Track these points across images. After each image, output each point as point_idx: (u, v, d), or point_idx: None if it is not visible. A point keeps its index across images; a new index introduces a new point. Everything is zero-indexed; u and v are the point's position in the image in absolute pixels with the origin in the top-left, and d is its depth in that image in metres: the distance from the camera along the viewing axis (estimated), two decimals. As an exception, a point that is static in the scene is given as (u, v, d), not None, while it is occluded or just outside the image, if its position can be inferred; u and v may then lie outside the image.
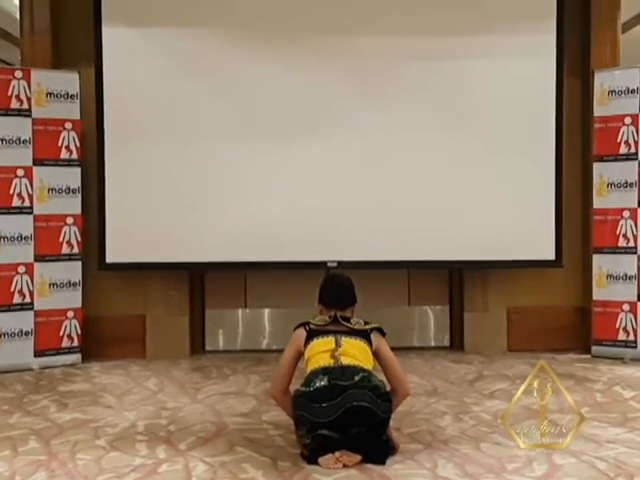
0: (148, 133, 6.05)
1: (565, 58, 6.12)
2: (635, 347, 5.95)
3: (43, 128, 5.91)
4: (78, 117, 6.03)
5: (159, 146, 6.06)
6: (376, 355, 3.80)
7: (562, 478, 3.33)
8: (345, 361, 3.62)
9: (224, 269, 6.35)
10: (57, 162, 5.96)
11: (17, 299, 5.83)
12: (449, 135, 6.09)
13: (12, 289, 5.81)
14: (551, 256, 6.14)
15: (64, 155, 5.99)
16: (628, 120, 6.00)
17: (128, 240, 6.07)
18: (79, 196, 6.04)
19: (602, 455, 3.63)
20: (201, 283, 6.64)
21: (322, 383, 3.53)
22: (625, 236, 6.03)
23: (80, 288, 6.06)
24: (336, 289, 4.01)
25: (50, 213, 5.93)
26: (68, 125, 5.99)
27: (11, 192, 5.82)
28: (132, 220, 6.06)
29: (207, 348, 6.65)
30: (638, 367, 5.72)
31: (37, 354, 5.88)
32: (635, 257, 5.99)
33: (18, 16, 6.40)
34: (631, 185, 6.00)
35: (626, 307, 6.00)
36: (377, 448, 3.54)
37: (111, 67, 6.00)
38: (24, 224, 5.85)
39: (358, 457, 3.50)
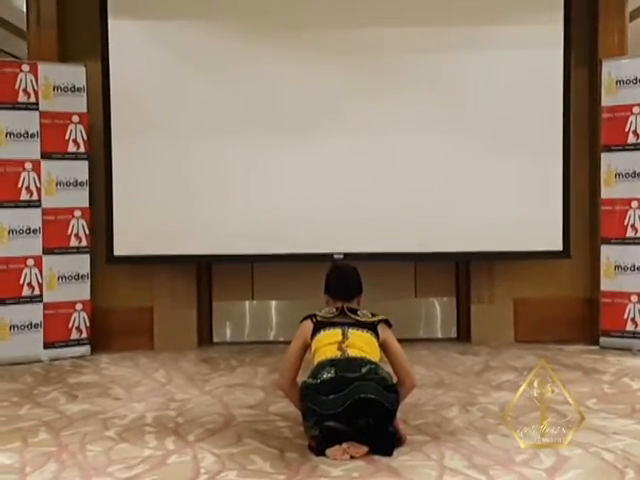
0: (155, 126, 6.05)
1: (572, 48, 6.08)
2: (643, 338, 5.95)
3: (50, 121, 5.92)
4: (85, 110, 6.04)
5: (166, 139, 6.06)
6: (383, 347, 3.81)
7: (569, 470, 3.33)
8: (352, 353, 3.63)
9: (231, 261, 6.36)
10: (65, 155, 5.98)
11: (26, 292, 5.86)
12: (456, 126, 6.07)
13: (21, 282, 5.83)
14: (559, 247, 6.12)
15: (71, 148, 6.00)
16: (636, 110, 5.97)
17: (136, 233, 6.09)
18: (87, 189, 6.06)
19: (610, 446, 3.62)
20: (208, 275, 6.65)
21: (329, 375, 3.53)
22: (633, 226, 6.01)
23: (88, 281, 6.09)
24: (342, 279, 4.02)
25: (58, 206, 5.95)
26: (75, 118, 6.00)
27: (19, 185, 5.83)
28: (140, 213, 6.08)
29: (214, 340, 6.67)
30: (646, 358, 5.72)
31: (46, 346, 5.91)
32: (643, 247, 5.98)
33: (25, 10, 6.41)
34: (639, 175, 5.98)
35: (634, 298, 5.98)
36: (384, 440, 3.55)
37: (117, 60, 6.01)
38: (32, 217, 5.88)
39: (365, 448, 3.51)
